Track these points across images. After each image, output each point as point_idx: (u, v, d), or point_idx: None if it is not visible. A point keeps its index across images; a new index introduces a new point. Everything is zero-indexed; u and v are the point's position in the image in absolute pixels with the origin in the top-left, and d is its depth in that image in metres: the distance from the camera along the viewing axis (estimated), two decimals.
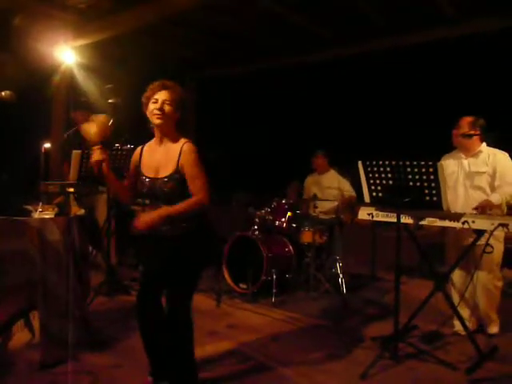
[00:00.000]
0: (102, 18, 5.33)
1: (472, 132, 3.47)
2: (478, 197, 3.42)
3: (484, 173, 3.43)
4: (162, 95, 2.43)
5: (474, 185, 3.47)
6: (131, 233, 2.64)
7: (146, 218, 2.36)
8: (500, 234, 3.25)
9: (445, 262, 3.71)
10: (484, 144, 3.52)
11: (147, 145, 2.60)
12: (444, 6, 4.90)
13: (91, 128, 2.42)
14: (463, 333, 3.33)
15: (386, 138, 6.66)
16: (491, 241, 3.28)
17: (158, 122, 2.42)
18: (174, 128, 2.49)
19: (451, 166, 3.60)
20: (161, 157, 2.47)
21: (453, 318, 3.52)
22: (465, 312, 3.55)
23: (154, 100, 2.43)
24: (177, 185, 2.40)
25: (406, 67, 6.56)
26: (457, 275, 3.60)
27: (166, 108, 2.41)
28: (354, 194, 5.06)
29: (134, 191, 2.61)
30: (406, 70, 6.61)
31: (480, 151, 3.49)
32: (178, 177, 2.40)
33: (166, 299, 2.58)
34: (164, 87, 2.44)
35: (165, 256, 2.51)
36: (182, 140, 2.47)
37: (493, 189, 3.42)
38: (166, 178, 2.41)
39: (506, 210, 3.42)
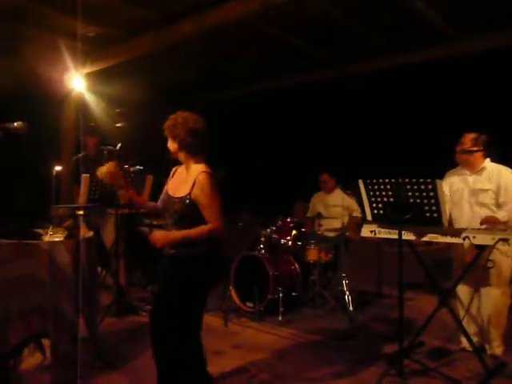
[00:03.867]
0: (110, 46, 5.54)
1: (475, 148, 3.47)
2: (483, 213, 3.42)
3: (488, 190, 3.43)
4: (168, 135, 2.67)
5: (478, 202, 3.47)
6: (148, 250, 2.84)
7: (161, 236, 2.56)
8: (508, 248, 3.18)
9: (453, 278, 3.71)
10: (488, 160, 3.51)
11: (181, 166, 2.79)
12: (442, 25, 5.03)
13: (102, 174, 2.72)
14: (470, 349, 3.33)
15: (391, 156, 6.69)
16: (499, 256, 3.34)
17: (172, 157, 2.72)
18: (190, 154, 2.66)
19: (456, 183, 3.62)
20: (182, 179, 2.68)
21: (459, 333, 3.52)
22: (471, 328, 3.54)
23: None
24: (184, 208, 2.54)
25: (408, 85, 6.63)
26: (462, 291, 3.59)
27: (171, 146, 2.67)
28: (360, 214, 5.10)
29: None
30: (408, 88, 6.68)
31: (484, 168, 3.49)
32: (187, 202, 2.54)
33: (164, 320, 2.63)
34: (166, 128, 2.66)
35: (172, 277, 2.62)
36: (200, 168, 2.61)
37: (498, 205, 3.41)
38: (177, 198, 2.59)
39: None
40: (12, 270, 2.89)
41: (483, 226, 3.21)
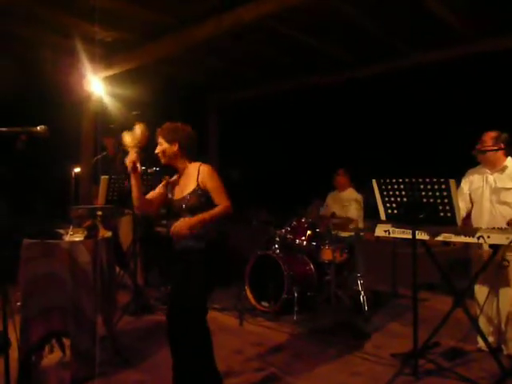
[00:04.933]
0: (127, 50, 5.65)
1: (496, 147, 3.41)
2: (504, 212, 3.40)
3: (510, 189, 3.39)
4: (165, 139, 2.81)
5: (500, 200, 3.44)
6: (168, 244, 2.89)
7: (180, 223, 2.62)
8: None
9: (470, 278, 3.68)
10: (509, 158, 3.48)
11: (173, 177, 2.95)
12: (458, 26, 5.01)
13: (130, 134, 2.75)
14: (486, 349, 3.31)
15: (408, 155, 6.67)
16: None
17: (162, 161, 2.84)
18: (184, 157, 2.84)
19: (476, 182, 3.60)
20: (183, 181, 2.85)
21: (475, 333, 3.49)
22: (487, 327, 3.52)
23: None
24: (198, 199, 2.72)
25: (425, 85, 6.60)
26: (479, 291, 3.57)
27: (158, 149, 2.82)
28: (355, 217, 5.11)
29: (153, 206, 2.92)
30: (426, 88, 6.65)
31: (505, 166, 3.45)
32: (199, 192, 2.73)
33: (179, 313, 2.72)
34: (164, 133, 2.81)
35: (187, 270, 2.73)
36: (198, 163, 2.83)
37: None
38: (188, 195, 2.75)
39: None
40: (35, 269, 3.00)
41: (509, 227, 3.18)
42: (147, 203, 2.87)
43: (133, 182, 2.76)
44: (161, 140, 2.80)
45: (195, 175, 2.76)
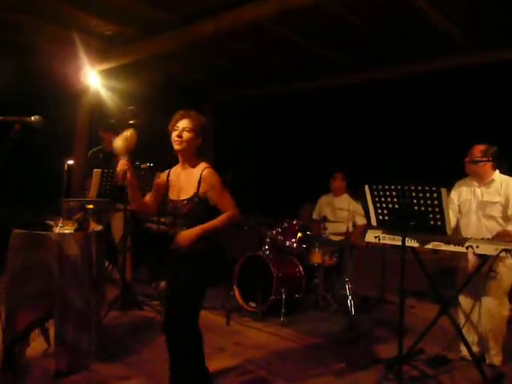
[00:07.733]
0: (126, 44, 5.63)
1: (484, 159, 3.45)
2: (490, 226, 3.43)
3: (497, 202, 3.42)
4: (182, 123, 2.66)
5: (486, 214, 3.47)
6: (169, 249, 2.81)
7: (186, 235, 2.58)
8: (510, 261, 3.20)
9: (456, 287, 3.72)
10: (497, 172, 3.51)
11: (173, 169, 2.82)
12: (457, 36, 5.07)
13: (118, 141, 2.64)
14: (470, 358, 3.34)
15: (399, 163, 6.71)
16: (503, 268, 3.35)
17: (177, 147, 2.66)
18: (194, 153, 2.72)
19: (464, 194, 3.62)
20: (183, 181, 2.71)
21: (459, 342, 3.53)
22: (472, 337, 3.56)
23: (175, 128, 2.67)
24: (195, 207, 2.61)
25: (419, 94, 6.65)
26: (464, 300, 3.61)
27: (185, 135, 2.64)
28: (365, 221, 5.11)
29: (152, 207, 2.82)
30: (420, 96, 6.70)
31: (493, 180, 3.48)
32: (196, 200, 2.62)
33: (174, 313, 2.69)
34: (184, 116, 2.68)
35: (179, 271, 2.69)
36: (202, 165, 2.69)
37: (505, 218, 3.41)
38: (185, 200, 2.64)
39: None
40: (23, 259, 2.97)
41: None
42: (145, 206, 2.79)
43: (128, 188, 2.66)
44: (190, 126, 2.63)
45: (197, 179, 2.63)
